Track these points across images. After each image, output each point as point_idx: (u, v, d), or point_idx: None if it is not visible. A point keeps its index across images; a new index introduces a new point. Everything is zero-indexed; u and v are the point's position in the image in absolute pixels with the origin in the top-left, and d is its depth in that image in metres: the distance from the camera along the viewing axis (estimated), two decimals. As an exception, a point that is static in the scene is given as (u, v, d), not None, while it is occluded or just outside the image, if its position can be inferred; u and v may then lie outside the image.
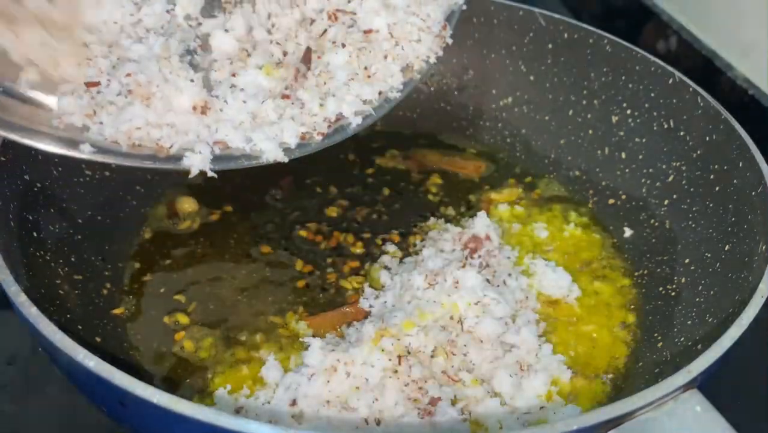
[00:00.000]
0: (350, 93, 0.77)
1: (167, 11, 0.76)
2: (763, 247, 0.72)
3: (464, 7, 0.86)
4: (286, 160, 0.73)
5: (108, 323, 0.79)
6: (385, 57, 0.80)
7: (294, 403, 0.69)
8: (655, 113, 0.96)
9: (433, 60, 0.83)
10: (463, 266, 0.80)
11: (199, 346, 0.79)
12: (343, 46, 0.77)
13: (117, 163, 0.69)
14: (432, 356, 0.74)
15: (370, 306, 0.83)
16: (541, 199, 1.02)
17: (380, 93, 0.79)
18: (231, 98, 0.72)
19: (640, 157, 0.97)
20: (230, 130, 0.71)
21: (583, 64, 1.03)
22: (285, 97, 0.75)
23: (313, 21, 0.79)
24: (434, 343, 0.74)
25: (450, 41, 0.84)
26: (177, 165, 0.70)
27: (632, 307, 0.86)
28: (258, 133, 0.72)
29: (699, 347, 0.69)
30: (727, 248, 0.80)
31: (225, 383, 0.74)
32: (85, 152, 0.68)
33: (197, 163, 0.69)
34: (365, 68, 0.78)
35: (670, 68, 0.94)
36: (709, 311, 0.76)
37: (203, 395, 0.74)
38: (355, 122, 0.77)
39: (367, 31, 0.79)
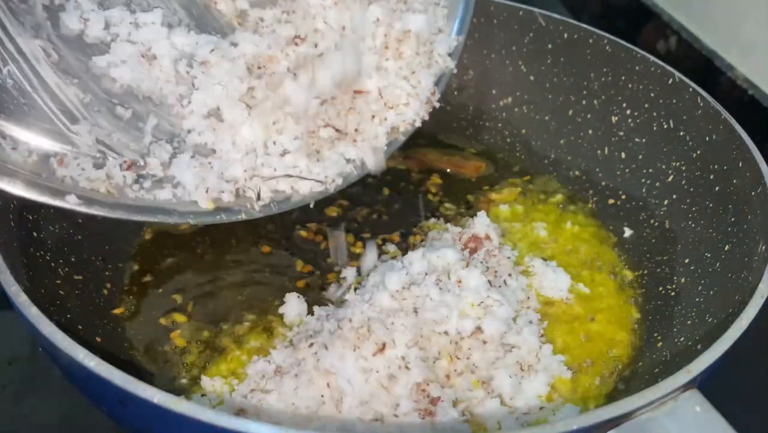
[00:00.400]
0: (335, 152, 0.78)
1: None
2: (763, 247, 0.72)
3: (455, 71, 0.87)
4: (260, 216, 0.74)
5: (108, 323, 0.80)
6: (373, 117, 0.80)
7: (293, 403, 0.69)
8: (655, 113, 0.96)
9: (418, 123, 0.83)
10: (467, 266, 0.80)
11: (199, 345, 0.79)
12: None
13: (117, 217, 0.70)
14: (435, 359, 0.74)
15: (371, 306, 0.82)
16: (541, 199, 1.02)
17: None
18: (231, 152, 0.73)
19: (640, 157, 0.98)
20: (226, 185, 0.72)
21: (583, 64, 1.03)
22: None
23: None
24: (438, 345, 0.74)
25: (437, 105, 0.84)
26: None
27: (632, 307, 0.86)
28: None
29: (699, 347, 0.69)
30: (727, 248, 0.80)
31: (224, 382, 0.75)
32: (70, 203, 0.66)
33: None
34: (355, 130, 0.79)
35: (670, 68, 0.94)
36: (709, 311, 0.76)
37: (202, 394, 0.74)
38: (336, 183, 0.78)
39: (357, 92, 0.79)
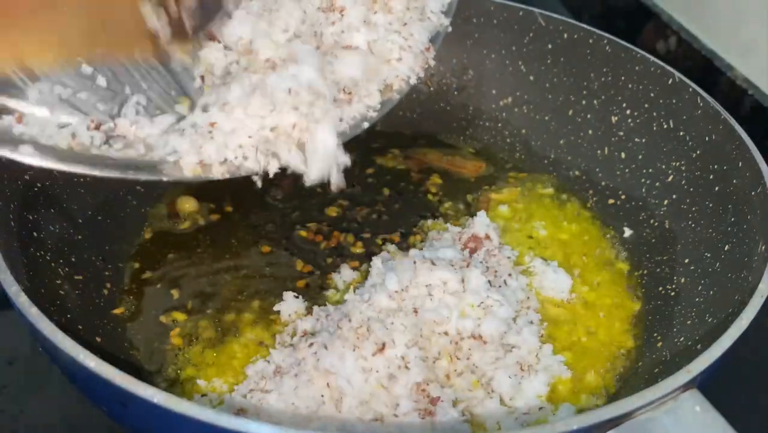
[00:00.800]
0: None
1: None
2: (763, 247, 0.72)
3: (450, 29, 0.84)
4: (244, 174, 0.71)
5: (108, 323, 0.80)
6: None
7: (293, 403, 0.69)
8: (654, 113, 0.96)
9: (413, 80, 0.80)
10: (467, 266, 0.80)
11: (199, 345, 0.79)
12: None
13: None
14: (435, 359, 0.74)
15: (370, 306, 0.82)
16: (541, 199, 1.02)
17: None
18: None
19: (640, 157, 0.98)
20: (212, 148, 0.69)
21: (583, 64, 1.03)
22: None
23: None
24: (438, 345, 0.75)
25: (433, 63, 0.81)
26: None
27: (632, 307, 0.86)
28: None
29: (699, 347, 0.69)
30: (726, 248, 0.80)
31: (224, 381, 0.75)
32: (23, 153, 0.62)
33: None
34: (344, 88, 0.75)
35: (669, 68, 0.94)
36: (708, 311, 0.76)
37: (202, 394, 0.74)
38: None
39: (345, 47, 0.76)
